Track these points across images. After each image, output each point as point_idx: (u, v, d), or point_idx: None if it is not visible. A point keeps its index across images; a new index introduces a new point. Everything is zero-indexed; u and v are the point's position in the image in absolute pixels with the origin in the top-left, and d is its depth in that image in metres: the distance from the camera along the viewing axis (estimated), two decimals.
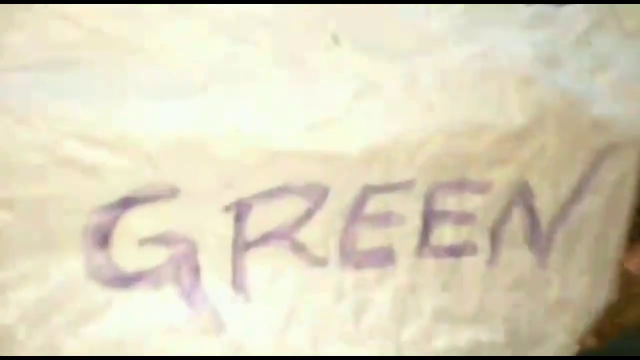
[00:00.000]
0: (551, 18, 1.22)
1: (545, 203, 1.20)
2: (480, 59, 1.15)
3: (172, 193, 1.00)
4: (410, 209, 1.13)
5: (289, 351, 1.08)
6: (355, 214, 1.11)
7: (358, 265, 1.13)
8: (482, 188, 1.16)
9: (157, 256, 1.02)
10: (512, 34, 1.19)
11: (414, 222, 1.14)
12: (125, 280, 1.01)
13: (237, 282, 1.06)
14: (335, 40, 1.09)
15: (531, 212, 1.21)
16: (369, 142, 1.06)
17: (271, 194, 1.05)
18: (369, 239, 1.12)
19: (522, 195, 1.19)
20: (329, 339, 1.10)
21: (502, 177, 1.16)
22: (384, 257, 1.14)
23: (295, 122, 1.02)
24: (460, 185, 1.15)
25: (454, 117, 1.11)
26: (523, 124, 1.14)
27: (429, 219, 1.15)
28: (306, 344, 1.09)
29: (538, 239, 1.22)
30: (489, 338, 1.21)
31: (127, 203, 0.98)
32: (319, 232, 1.09)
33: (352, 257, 1.12)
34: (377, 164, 1.08)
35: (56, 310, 0.98)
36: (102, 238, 0.99)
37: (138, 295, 1.01)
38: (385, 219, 1.13)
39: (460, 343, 1.19)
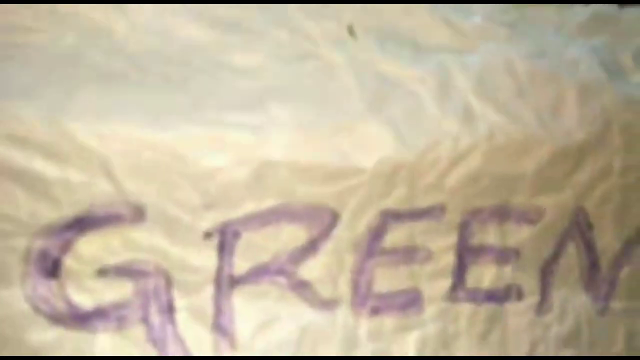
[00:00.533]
0: (612, 20, 1.12)
1: (606, 238, 1.05)
2: (530, 62, 1.01)
3: (137, 214, 0.84)
4: (441, 242, 0.97)
5: None
6: (372, 246, 0.94)
7: (375, 311, 0.96)
8: (530, 217, 1.00)
9: (120, 290, 0.86)
10: (567, 37, 1.09)
11: (446, 259, 0.98)
12: (81, 318, 0.85)
13: (221, 326, 0.90)
14: (351, 31, 0.95)
15: (589, 248, 1.05)
16: (388, 155, 0.90)
17: (263, 218, 0.89)
18: (389, 278, 0.96)
19: (579, 227, 1.04)
20: None
21: (554, 205, 1.01)
22: (408, 301, 0.97)
23: (295, 127, 0.87)
24: (503, 214, 0.98)
25: (496, 128, 0.94)
26: (583, 139, 0.99)
27: (464, 255, 0.99)
28: None
29: (597, 280, 1.07)
30: None
31: (80, 225, 0.83)
32: (326, 268, 0.93)
33: (367, 300, 0.96)
34: (398, 183, 0.92)
35: None
36: (50, 266, 0.84)
37: (97, 336, 0.86)
38: (409, 254, 0.96)
39: None
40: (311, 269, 0.92)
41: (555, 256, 1.03)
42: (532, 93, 0.98)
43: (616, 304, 1.08)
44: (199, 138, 0.83)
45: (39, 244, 0.82)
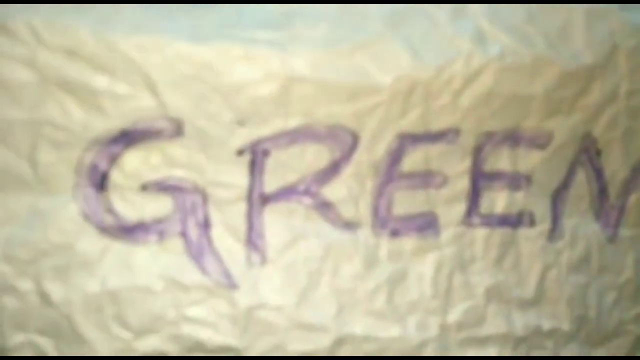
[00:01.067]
0: None
1: (614, 164, 1.06)
2: None
3: (176, 128, 0.89)
4: (455, 167, 1.00)
5: (306, 323, 0.95)
6: (391, 170, 0.98)
7: (395, 233, 0.99)
8: (540, 142, 1.02)
9: (161, 205, 0.92)
10: None
11: (461, 184, 1.01)
12: (125, 230, 0.91)
13: (253, 241, 0.94)
14: None
15: (598, 176, 1.06)
16: (405, 72, 0.92)
17: (290, 137, 0.93)
18: (407, 202, 0.99)
19: (587, 153, 1.05)
20: (356, 313, 0.97)
21: (563, 129, 1.02)
22: (425, 224, 1.00)
23: (318, 45, 0.90)
24: (514, 138, 1.00)
25: (506, 49, 0.96)
26: (590, 62, 0.99)
27: (478, 180, 1.01)
28: (328, 317, 0.95)
29: (606, 208, 1.08)
30: (551, 325, 1.05)
31: (125, 139, 0.88)
32: (348, 190, 0.97)
33: (387, 222, 0.99)
34: (415, 102, 0.94)
35: (45, 253, 0.88)
36: (99, 179, 0.89)
37: (139, 247, 0.91)
38: (425, 178, 0.99)
39: (516, 329, 1.03)
40: (334, 191, 0.95)
41: (566, 184, 1.04)
42: (542, 18, 0.98)
43: (625, 231, 1.08)
44: (231, 52, 0.87)
45: (89, 156, 0.87)
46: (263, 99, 0.89)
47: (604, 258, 1.08)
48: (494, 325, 1.02)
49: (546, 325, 1.04)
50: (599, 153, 1.05)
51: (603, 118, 1.03)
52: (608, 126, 1.03)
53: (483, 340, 1.01)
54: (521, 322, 1.03)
